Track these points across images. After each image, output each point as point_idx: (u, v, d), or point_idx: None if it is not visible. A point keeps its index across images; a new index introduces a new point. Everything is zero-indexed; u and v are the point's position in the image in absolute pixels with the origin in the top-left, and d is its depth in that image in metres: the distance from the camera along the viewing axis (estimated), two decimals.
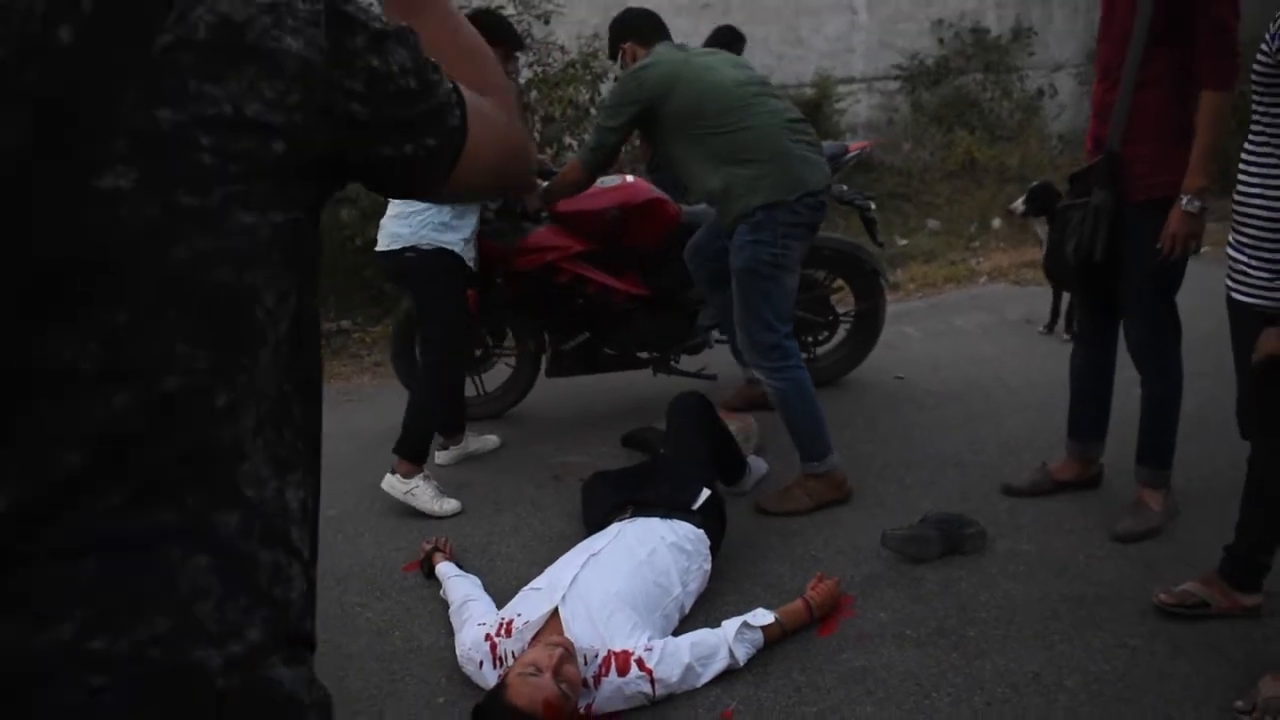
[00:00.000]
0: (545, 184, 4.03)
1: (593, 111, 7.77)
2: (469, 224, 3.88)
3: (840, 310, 4.98)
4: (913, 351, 5.43)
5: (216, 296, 0.76)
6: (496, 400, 4.88)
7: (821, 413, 3.64)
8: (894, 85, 10.62)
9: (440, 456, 4.19)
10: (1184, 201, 2.94)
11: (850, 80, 10.30)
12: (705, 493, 3.19)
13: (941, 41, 10.66)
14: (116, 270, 0.71)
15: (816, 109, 9.53)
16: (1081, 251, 3.16)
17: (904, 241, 7.97)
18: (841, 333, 4.99)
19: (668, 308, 4.58)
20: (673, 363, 4.75)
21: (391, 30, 0.87)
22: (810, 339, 4.89)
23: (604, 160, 3.79)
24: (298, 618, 0.86)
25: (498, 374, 4.85)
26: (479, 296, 4.39)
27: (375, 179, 0.92)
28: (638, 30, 3.89)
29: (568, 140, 7.66)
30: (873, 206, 4.77)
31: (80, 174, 0.70)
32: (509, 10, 7.41)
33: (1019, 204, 5.49)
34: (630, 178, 4.58)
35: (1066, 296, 5.28)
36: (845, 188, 4.86)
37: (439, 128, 0.91)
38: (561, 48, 7.58)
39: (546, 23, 7.45)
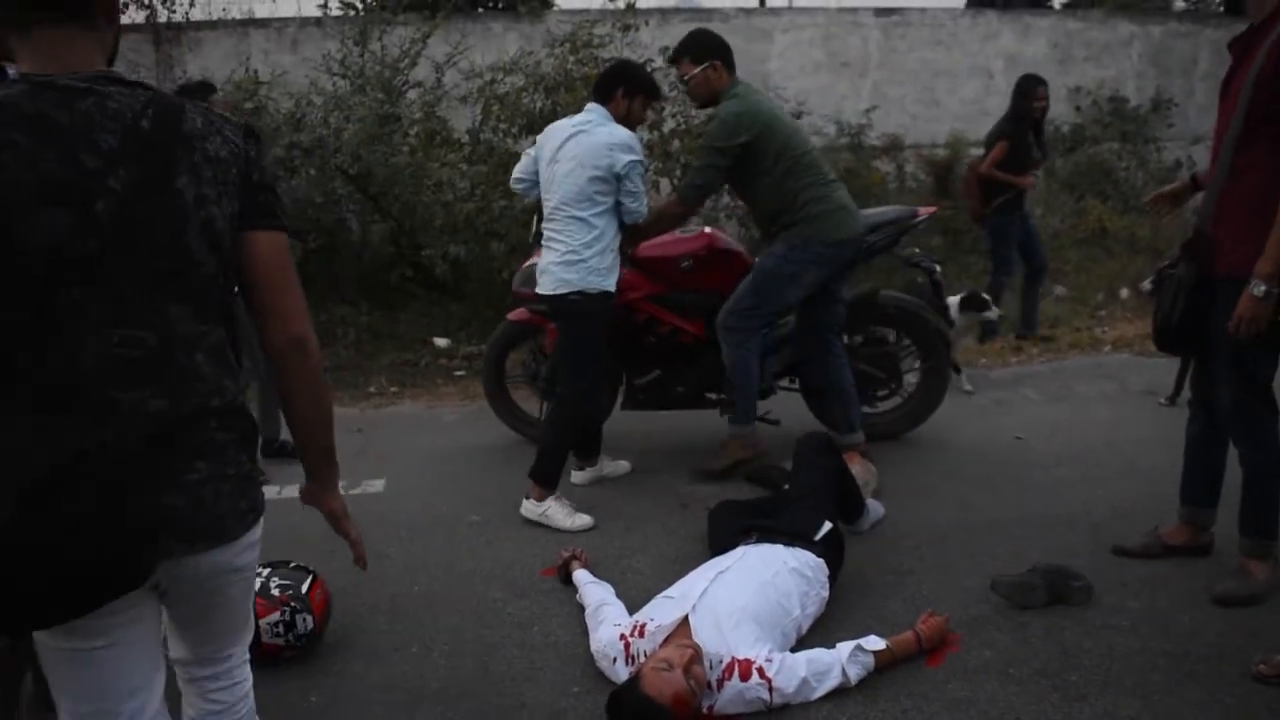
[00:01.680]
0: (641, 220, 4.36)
1: None
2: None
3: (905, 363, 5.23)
4: (1033, 414, 5.57)
5: (217, 233, 1.69)
6: None
7: (755, 389, 4.67)
8: None
9: (576, 476, 4.51)
10: (1252, 285, 3.07)
11: (983, 143, 10.44)
12: (827, 525, 3.44)
13: (1078, 109, 10.73)
14: (183, 222, 1.64)
15: (948, 170, 9.69)
16: (1160, 319, 3.36)
17: None
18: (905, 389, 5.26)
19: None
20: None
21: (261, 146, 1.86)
22: (873, 392, 5.15)
23: (704, 197, 4.38)
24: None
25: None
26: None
27: (251, 200, 1.77)
28: (726, 54, 4.45)
29: None
30: (938, 269, 5.04)
31: (167, 180, 1.62)
32: (657, 63, 7.81)
33: (1147, 284, 5.61)
34: (708, 229, 4.92)
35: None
36: (917, 250, 5.16)
37: (276, 190, 1.87)
38: None
39: None
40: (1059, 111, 10.62)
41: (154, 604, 1.77)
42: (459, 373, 6.08)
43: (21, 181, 1.50)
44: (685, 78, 4.51)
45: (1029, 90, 6.96)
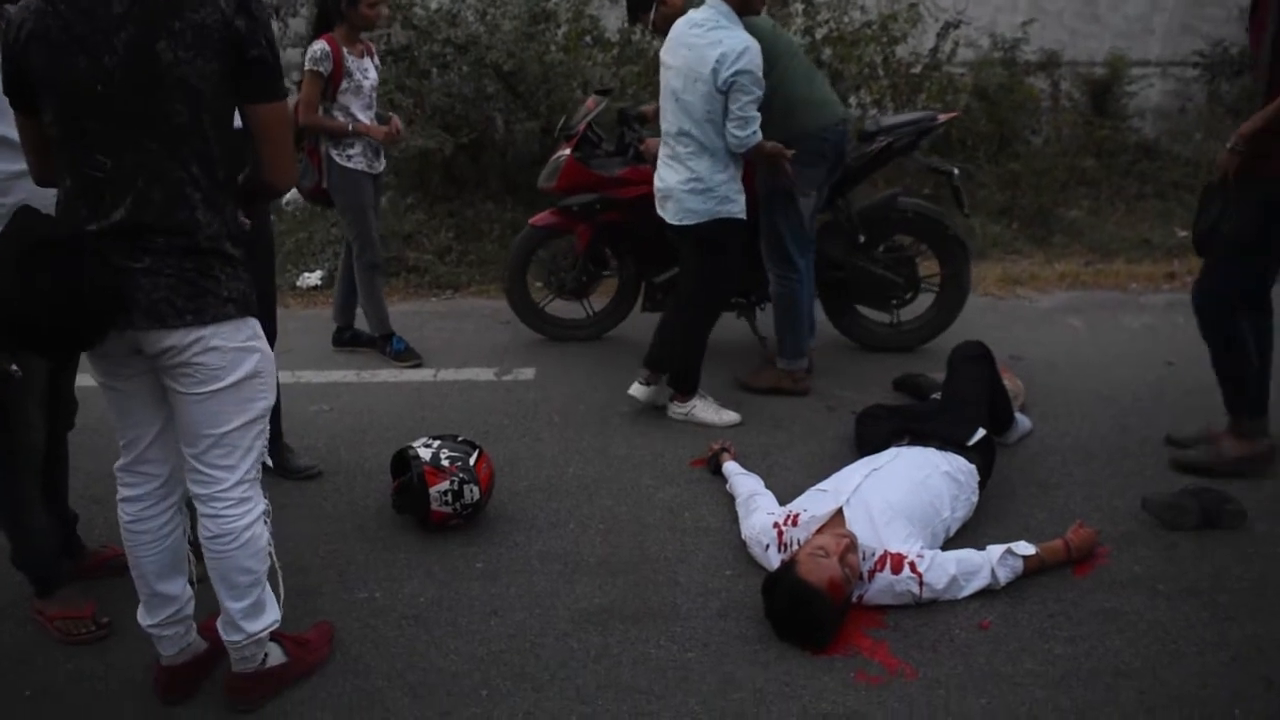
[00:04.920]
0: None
1: (881, 73, 7.95)
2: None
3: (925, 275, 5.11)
4: (1184, 340, 5.38)
5: (191, 90, 2.10)
6: (598, 323, 5.46)
7: (806, 326, 4.57)
8: (1192, 72, 10.19)
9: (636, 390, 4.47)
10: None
11: (1145, 63, 9.96)
12: (980, 432, 3.48)
13: (1249, 30, 10.13)
14: (158, 79, 2.07)
15: (1106, 90, 9.28)
16: None
17: (1184, 233, 7.77)
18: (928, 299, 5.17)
19: (752, 255, 4.64)
20: (759, 309, 5.03)
21: (264, 16, 2.20)
22: (894, 300, 5.07)
23: None
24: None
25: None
26: (589, 228, 5.00)
27: (253, 72, 2.17)
28: None
29: (852, 100, 7.87)
30: (956, 173, 4.88)
31: (151, 43, 2.06)
32: None
33: None
34: None
35: None
36: (938, 158, 4.99)
37: (277, 64, 2.22)
38: (861, 7, 7.76)
39: None
40: (1230, 32, 10.06)
41: (149, 374, 2.33)
42: (605, 272, 6.19)
43: (63, 40, 2.07)
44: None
45: None
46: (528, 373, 5.01)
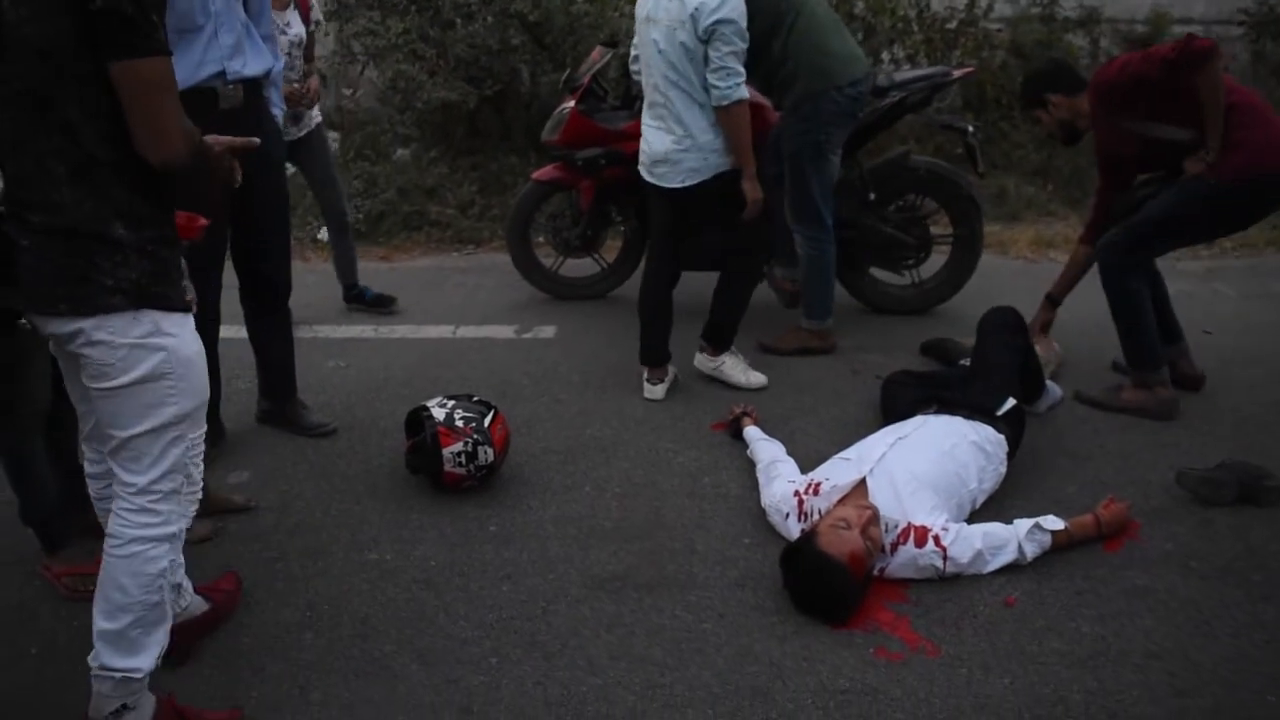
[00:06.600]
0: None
1: (915, 28, 7.74)
2: None
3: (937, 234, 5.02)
4: (1224, 309, 5.28)
5: (35, 49, 1.88)
6: (605, 280, 5.35)
7: (833, 285, 4.53)
8: (1236, 31, 9.89)
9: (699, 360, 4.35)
10: None
11: (1188, 20, 9.65)
12: (1010, 401, 3.37)
13: None
14: (7, 38, 1.89)
15: (1145, 47, 9.03)
16: None
17: None
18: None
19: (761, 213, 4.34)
20: (765, 270, 4.85)
21: None
22: (908, 260, 4.95)
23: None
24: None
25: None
26: (593, 183, 4.87)
27: (102, 26, 1.85)
28: None
29: (885, 55, 7.67)
30: (971, 130, 4.71)
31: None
32: None
33: None
34: None
35: None
36: (954, 115, 4.85)
37: (139, 15, 1.87)
38: None
39: None
40: None
41: (74, 357, 2.11)
42: (618, 220, 6.08)
43: None
44: None
45: None
46: (548, 330, 4.93)
